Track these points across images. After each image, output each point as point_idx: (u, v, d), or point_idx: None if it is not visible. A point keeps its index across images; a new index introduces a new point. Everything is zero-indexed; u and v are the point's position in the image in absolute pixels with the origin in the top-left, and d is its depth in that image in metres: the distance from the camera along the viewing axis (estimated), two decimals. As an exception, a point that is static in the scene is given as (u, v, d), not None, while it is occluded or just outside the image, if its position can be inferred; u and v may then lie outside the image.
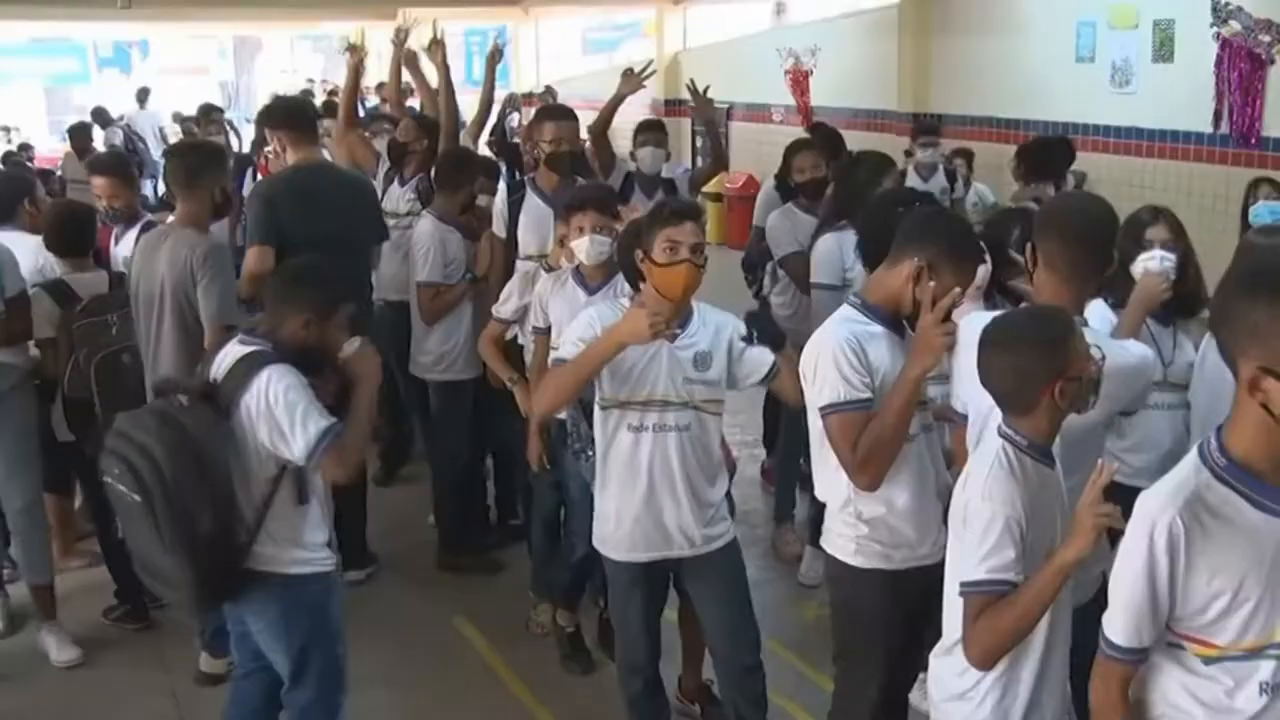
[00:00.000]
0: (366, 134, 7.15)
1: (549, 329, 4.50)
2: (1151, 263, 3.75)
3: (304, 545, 3.45)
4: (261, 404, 3.26)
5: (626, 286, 3.97)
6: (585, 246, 4.31)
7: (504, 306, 4.85)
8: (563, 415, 4.48)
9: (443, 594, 5.36)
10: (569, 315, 4.41)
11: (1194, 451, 2.24)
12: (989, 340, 2.71)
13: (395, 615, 5.21)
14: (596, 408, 3.66)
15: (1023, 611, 2.57)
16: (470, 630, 5.08)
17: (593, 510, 4.34)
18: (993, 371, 2.70)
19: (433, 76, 7.13)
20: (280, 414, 3.25)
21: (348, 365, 3.49)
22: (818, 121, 9.27)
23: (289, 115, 5.38)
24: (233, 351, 3.40)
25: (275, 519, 3.37)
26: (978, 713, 2.75)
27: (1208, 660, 2.22)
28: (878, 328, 3.24)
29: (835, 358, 3.16)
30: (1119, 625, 2.25)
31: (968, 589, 2.62)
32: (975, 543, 2.61)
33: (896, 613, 3.33)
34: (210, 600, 3.42)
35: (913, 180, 7.51)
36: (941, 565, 3.41)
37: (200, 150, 5.04)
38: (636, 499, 3.62)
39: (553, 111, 5.73)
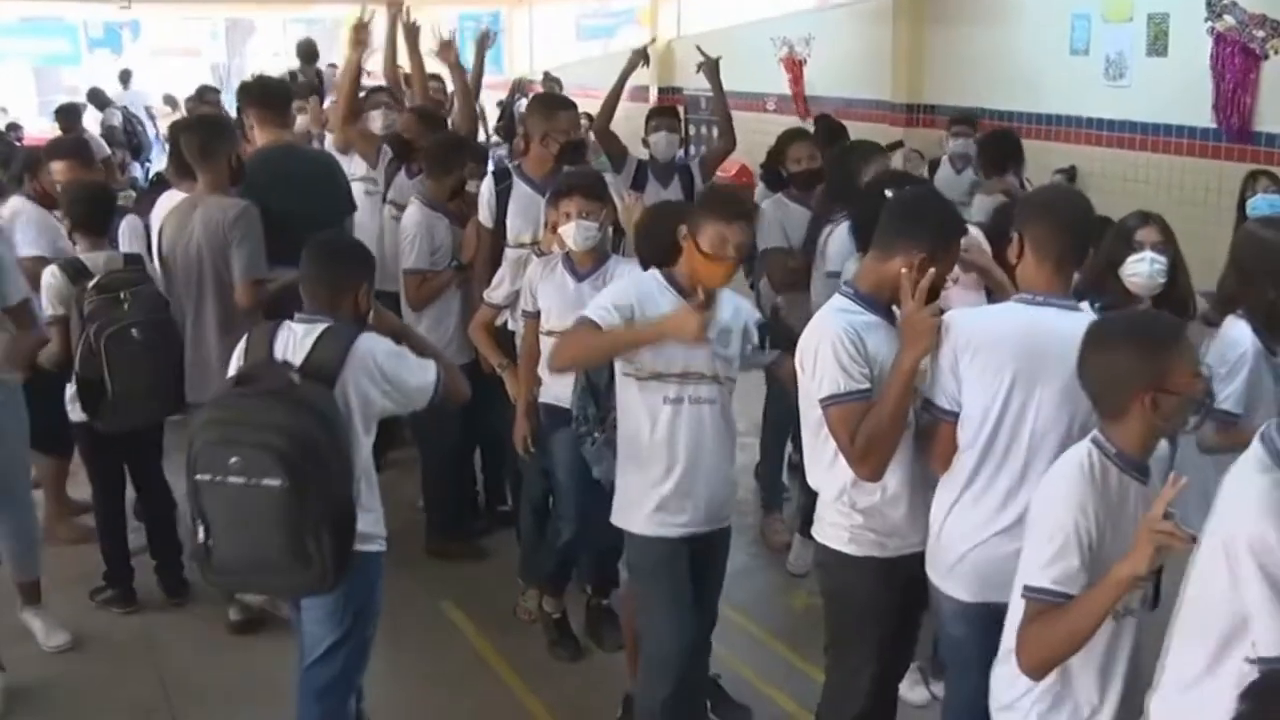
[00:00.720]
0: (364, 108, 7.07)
1: (539, 313, 4.50)
2: (1142, 264, 3.80)
3: (373, 523, 3.53)
4: (371, 368, 3.40)
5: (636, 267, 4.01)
6: (572, 232, 4.31)
7: (495, 292, 4.84)
8: (551, 400, 4.49)
9: (431, 580, 5.34)
10: (558, 300, 4.41)
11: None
12: (1091, 336, 2.67)
13: (383, 600, 5.19)
14: (628, 381, 3.64)
15: (1074, 624, 2.52)
16: (458, 615, 5.07)
17: (579, 495, 4.35)
18: (1087, 368, 2.65)
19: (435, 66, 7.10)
20: (392, 371, 3.46)
21: (380, 324, 3.71)
22: (823, 114, 9.23)
23: (263, 94, 5.43)
24: (300, 330, 3.45)
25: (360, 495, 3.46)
26: None
27: None
28: (873, 317, 3.23)
29: (835, 348, 3.15)
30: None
31: (1029, 594, 2.58)
32: (1040, 546, 2.57)
33: (889, 601, 3.34)
34: (336, 580, 3.36)
35: (945, 171, 7.44)
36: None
37: (211, 123, 5.20)
38: (677, 472, 3.63)
39: (549, 101, 5.71)
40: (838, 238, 4.83)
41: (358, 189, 5.94)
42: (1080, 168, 9.05)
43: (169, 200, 5.41)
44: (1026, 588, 2.58)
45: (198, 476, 3.26)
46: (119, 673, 4.70)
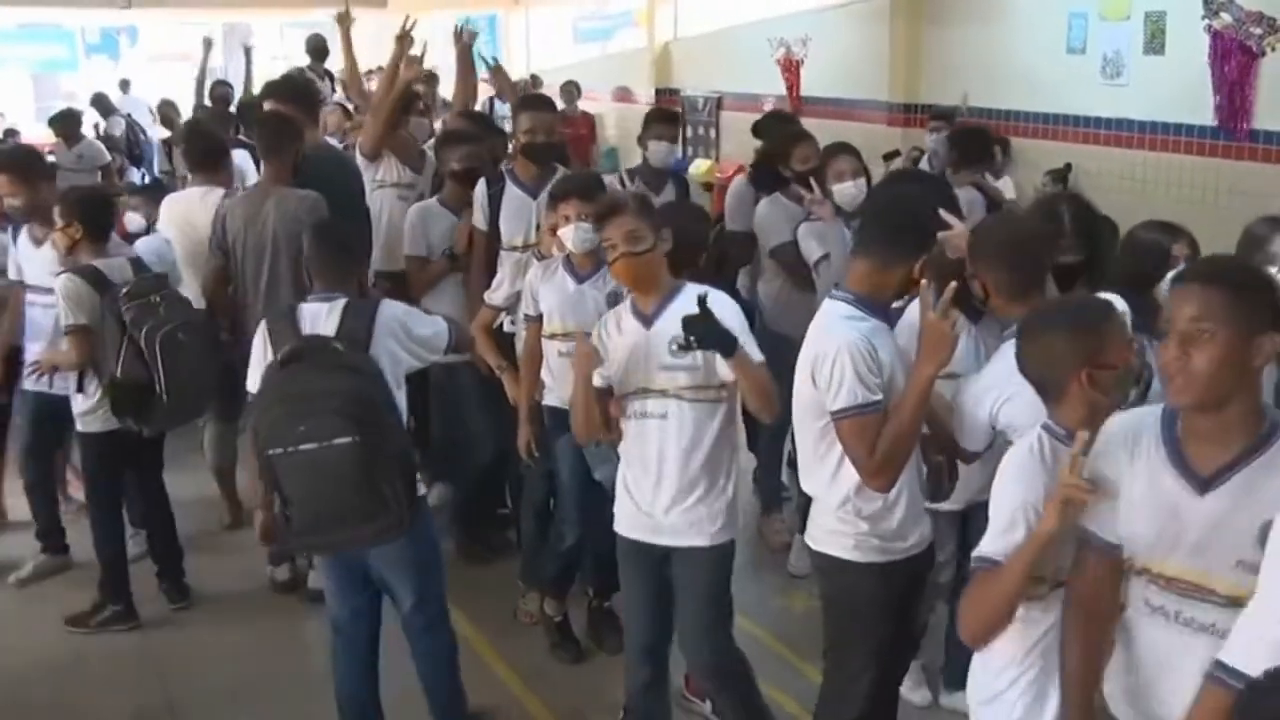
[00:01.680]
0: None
1: (540, 317, 4.50)
2: None
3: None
4: (395, 329, 3.86)
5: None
6: (571, 235, 4.31)
7: (495, 294, 4.86)
8: (555, 403, 4.49)
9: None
10: (559, 303, 4.42)
11: None
12: (1024, 328, 2.78)
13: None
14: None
15: (1001, 587, 2.52)
16: (459, 618, 5.05)
17: (583, 498, 4.36)
18: (1025, 358, 2.74)
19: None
20: (413, 327, 3.95)
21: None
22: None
23: (293, 94, 5.85)
24: (323, 309, 3.83)
25: None
26: (1010, 716, 2.71)
27: None
28: (876, 322, 3.23)
29: (851, 359, 3.12)
30: None
31: (976, 564, 2.62)
32: (993, 524, 2.61)
33: (888, 604, 3.35)
34: (411, 520, 3.66)
35: (925, 167, 7.51)
36: (928, 552, 3.43)
37: (281, 119, 5.58)
38: (629, 479, 3.72)
39: (528, 102, 5.69)
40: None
41: (389, 194, 5.99)
42: (1077, 166, 9.05)
43: (179, 199, 5.51)
44: (974, 558, 2.62)
45: (270, 452, 3.51)
46: (120, 675, 4.69)
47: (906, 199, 3.60)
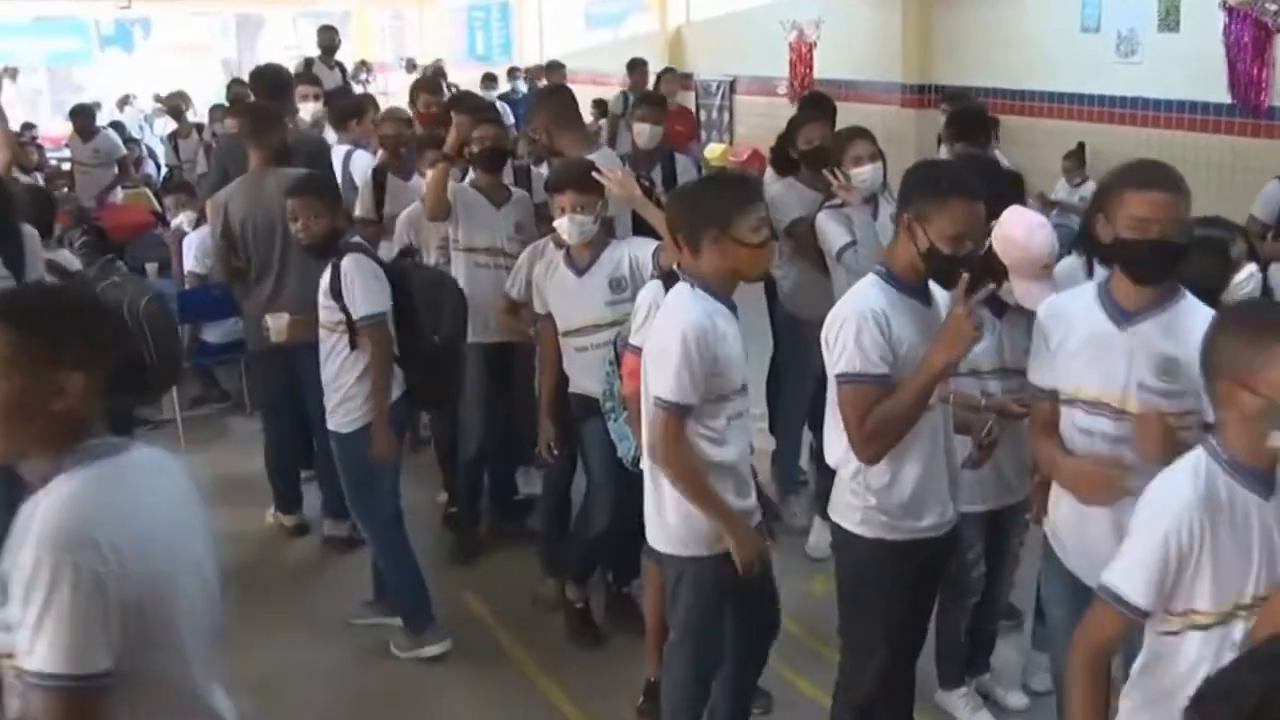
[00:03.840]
0: None
1: (550, 315, 4.56)
2: (1249, 283, 3.58)
3: None
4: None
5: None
6: (566, 226, 4.33)
7: (511, 288, 4.88)
8: (580, 390, 4.52)
9: (453, 569, 5.38)
10: (564, 300, 4.49)
11: None
12: (1216, 317, 2.53)
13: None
14: None
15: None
16: (479, 605, 5.11)
17: (614, 485, 4.35)
18: (1204, 352, 2.42)
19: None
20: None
21: None
22: (813, 91, 9.18)
23: (272, 86, 6.53)
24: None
25: None
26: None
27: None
28: (904, 297, 3.21)
29: (857, 327, 3.12)
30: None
31: (1100, 589, 2.46)
32: (1130, 551, 2.43)
33: (897, 584, 3.34)
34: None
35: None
36: (948, 539, 3.40)
37: (261, 110, 6.01)
38: None
39: (470, 108, 5.71)
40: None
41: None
42: (1092, 145, 9.02)
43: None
44: (1101, 587, 2.47)
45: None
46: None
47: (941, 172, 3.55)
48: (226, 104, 10.96)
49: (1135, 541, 2.43)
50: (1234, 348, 2.33)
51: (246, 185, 5.65)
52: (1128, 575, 2.42)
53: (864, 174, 5.04)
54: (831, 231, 5.07)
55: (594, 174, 4.46)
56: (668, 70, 12.11)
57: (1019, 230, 3.51)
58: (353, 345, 4.46)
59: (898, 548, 3.30)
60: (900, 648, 3.48)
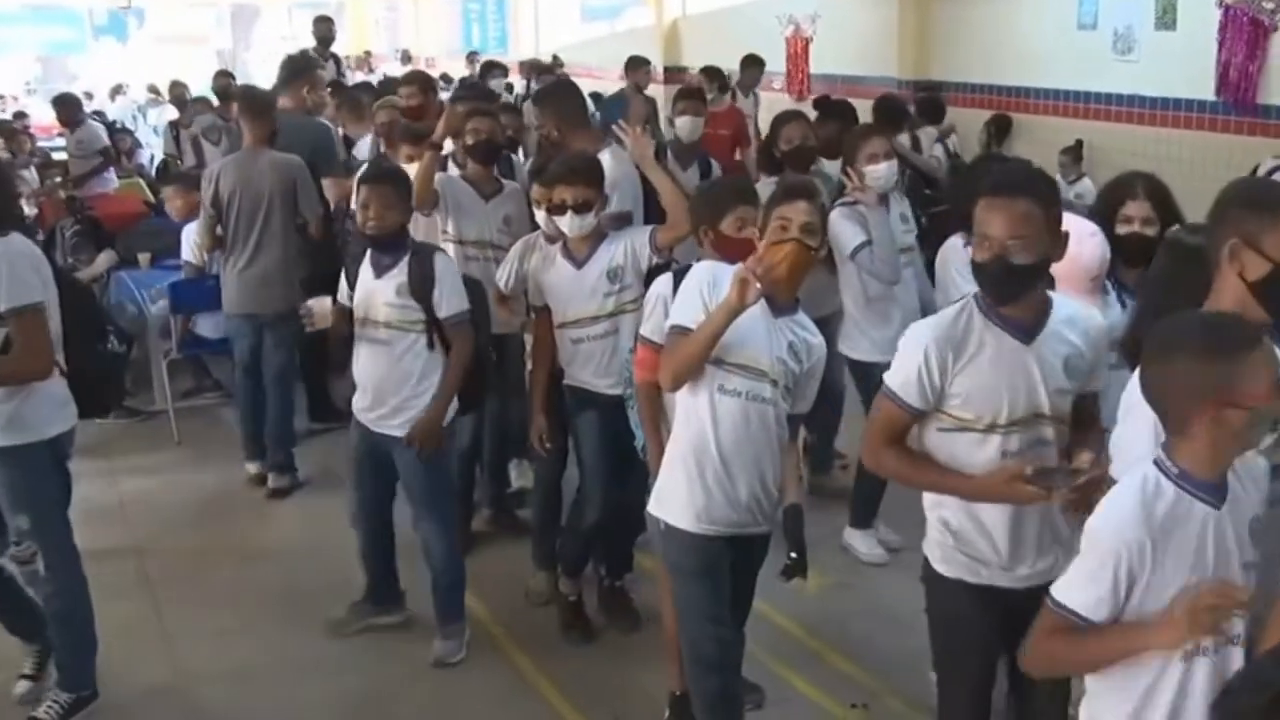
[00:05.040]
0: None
1: (547, 307, 4.54)
2: None
3: None
4: None
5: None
6: (567, 221, 4.31)
7: (500, 281, 4.84)
8: (575, 383, 4.50)
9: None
10: (562, 291, 4.47)
11: None
12: (1150, 340, 2.41)
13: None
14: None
15: (1082, 661, 2.46)
16: (471, 598, 5.08)
17: (606, 478, 4.33)
18: (1146, 378, 2.39)
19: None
20: None
21: None
22: (824, 96, 9.20)
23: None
24: None
25: None
26: None
27: None
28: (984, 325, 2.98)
29: (918, 353, 2.94)
30: None
31: (1055, 608, 2.41)
32: (1079, 565, 2.39)
33: (979, 630, 3.12)
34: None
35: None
36: (1035, 591, 2.93)
37: (258, 95, 6.49)
38: None
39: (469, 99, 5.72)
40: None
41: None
42: (1088, 143, 9.02)
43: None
44: (1051, 599, 2.42)
45: None
46: (130, 654, 4.72)
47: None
48: (209, 96, 11.03)
49: (1085, 560, 2.38)
50: (1200, 370, 2.25)
51: (238, 161, 6.19)
52: (1080, 590, 2.36)
53: (879, 172, 5.03)
54: (846, 231, 5.05)
55: (615, 127, 4.74)
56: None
57: (1069, 240, 3.23)
58: (432, 344, 4.37)
59: (978, 590, 3.10)
60: (983, 690, 3.22)
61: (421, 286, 4.32)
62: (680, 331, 3.39)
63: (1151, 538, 2.29)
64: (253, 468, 6.43)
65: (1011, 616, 2.89)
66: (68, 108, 11.21)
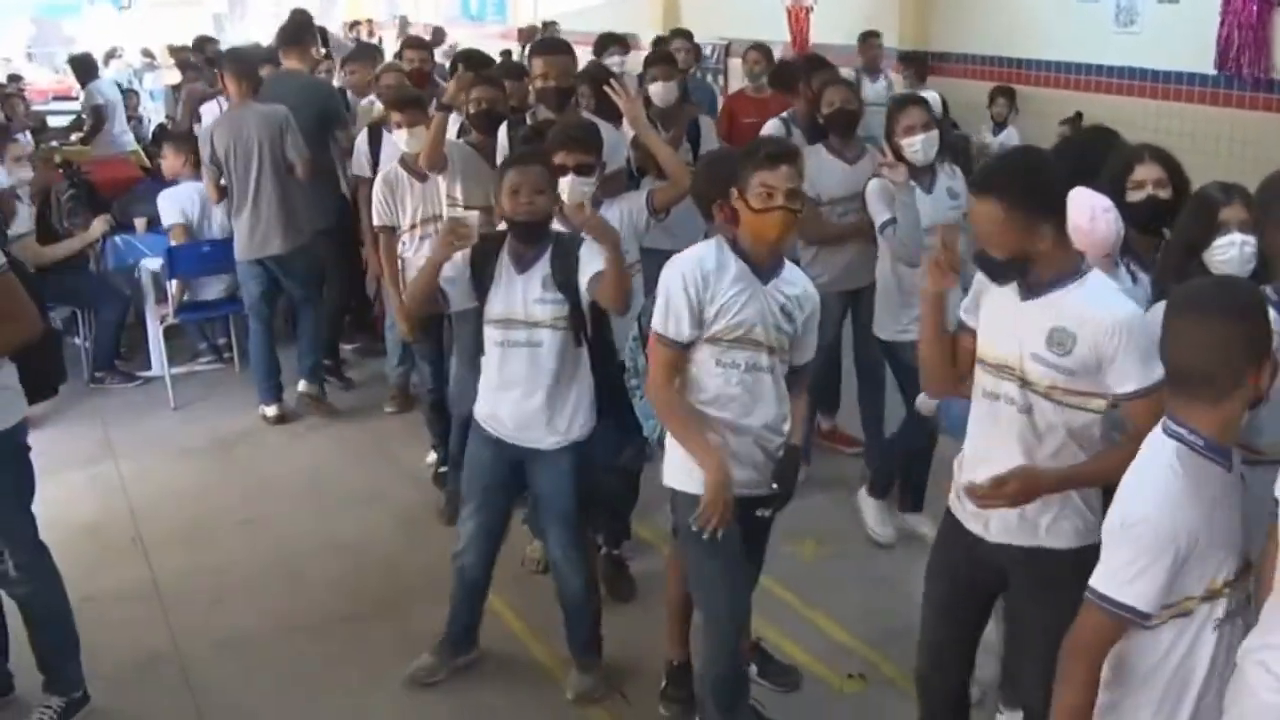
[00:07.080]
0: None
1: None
2: (1232, 249, 3.16)
3: None
4: None
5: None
6: (567, 187, 4.21)
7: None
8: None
9: (439, 531, 5.36)
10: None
11: None
12: (1181, 305, 2.35)
13: (392, 551, 5.24)
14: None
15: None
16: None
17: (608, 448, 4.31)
18: (1181, 344, 2.31)
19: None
20: None
21: None
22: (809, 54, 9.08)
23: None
24: None
25: None
26: None
27: None
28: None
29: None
30: None
31: (1098, 599, 2.37)
32: (1128, 558, 2.33)
33: (943, 559, 3.26)
34: None
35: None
36: (1004, 549, 3.05)
37: (242, 52, 7.19)
38: None
39: (543, 46, 5.62)
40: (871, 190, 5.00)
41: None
42: (1088, 115, 8.97)
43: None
44: (1097, 592, 2.39)
45: None
46: (129, 617, 4.72)
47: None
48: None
49: (1131, 549, 2.32)
50: (1249, 335, 2.26)
51: (228, 119, 6.62)
52: (1129, 582, 2.32)
53: (915, 144, 4.86)
54: (876, 207, 4.99)
55: (606, 88, 4.69)
56: (756, 46, 9.04)
57: (1082, 215, 3.17)
58: (579, 341, 3.98)
59: (954, 523, 3.20)
60: (938, 633, 3.35)
61: (564, 278, 3.92)
62: (667, 344, 3.44)
63: (1205, 518, 2.28)
64: (270, 410, 6.73)
65: (981, 566, 3.10)
66: (83, 68, 11.62)
